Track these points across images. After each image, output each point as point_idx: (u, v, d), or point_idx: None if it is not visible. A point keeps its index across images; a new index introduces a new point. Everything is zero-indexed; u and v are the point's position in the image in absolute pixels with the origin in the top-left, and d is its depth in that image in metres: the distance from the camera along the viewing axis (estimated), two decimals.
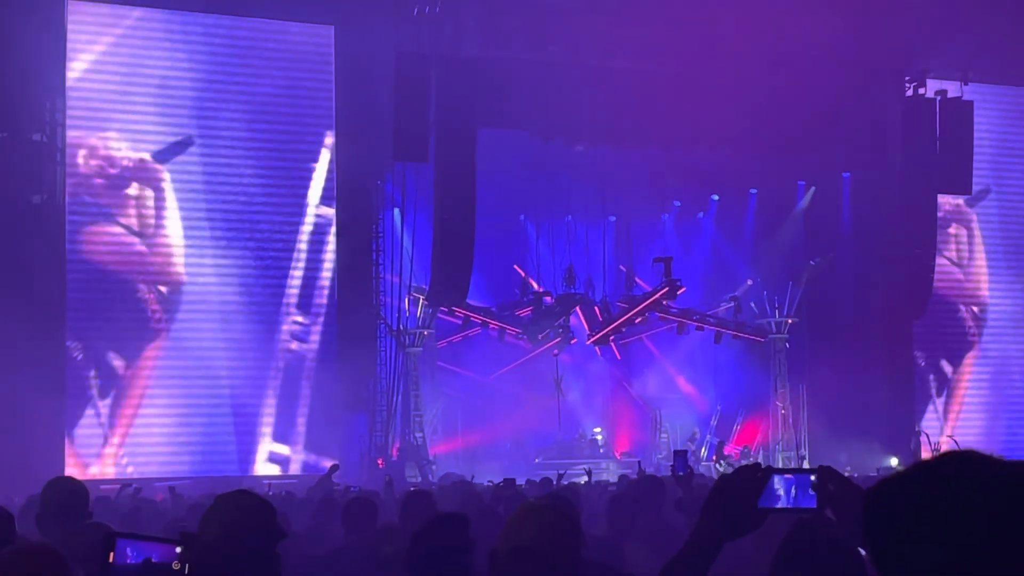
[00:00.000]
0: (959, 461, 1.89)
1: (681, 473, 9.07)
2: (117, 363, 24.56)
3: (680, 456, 9.46)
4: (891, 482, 1.94)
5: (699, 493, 8.29)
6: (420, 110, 25.44)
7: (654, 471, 22.29)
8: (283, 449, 25.59)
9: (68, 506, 6.12)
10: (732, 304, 30.83)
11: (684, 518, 8.49)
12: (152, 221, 25.19)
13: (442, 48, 25.61)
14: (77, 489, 6.33)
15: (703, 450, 30.32)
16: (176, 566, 3.36)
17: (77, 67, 24.52)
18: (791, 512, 3.08)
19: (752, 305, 30.83)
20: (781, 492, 3.04)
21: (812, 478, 3.02)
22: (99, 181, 24.80)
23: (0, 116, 23.55)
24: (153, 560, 3.34)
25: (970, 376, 31.06)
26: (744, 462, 28.25)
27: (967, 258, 31.42)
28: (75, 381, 24.07)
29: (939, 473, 1.89)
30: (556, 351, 30.54)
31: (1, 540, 5.00)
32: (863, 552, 3.27)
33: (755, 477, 3.07)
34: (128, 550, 3.34)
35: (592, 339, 30.97)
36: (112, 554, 3.32)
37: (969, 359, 31.12)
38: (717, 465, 27.94)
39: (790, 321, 30.40)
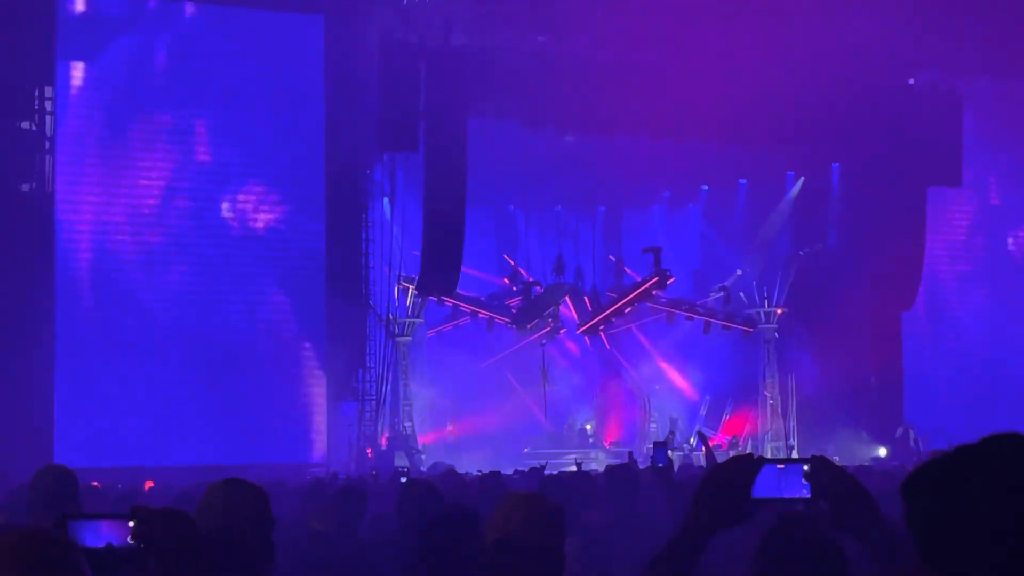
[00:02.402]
0: (1003, 443, 1.86)
1: (661, 464, 9.06)
2: (107, 350, 24.51)
3: (660, 448, 9.46)
4: (933, 466, 1.91)
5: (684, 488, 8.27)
6: (408, 99, 25.40)
7: (642, 461, 22.31)
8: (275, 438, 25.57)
9: (58, 494, 6.10)
10: (721, 294, 30.84)
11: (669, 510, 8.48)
12: (140, 210, 25.13)
13: (432, 37, 25.57)
14: (66, 477, 6.31)
15: (692, 439, 30.35)
16: (131, 540, 3.28)
17: (66, 56, 24.44)
18: (784, 503, 3.06)
19: (741, 295, 30.84)
20: (774, 483, 3.02)
21: (805, 468, 3.01)
22: (90, 171, 24.76)
23: None
24: (113, 544, 3.26)
25: None
26: (732, 452, 28.32)
27: None
28: (64, 369, 24.00)
29: (983, 455, 1.86)
30: (543, 341, 30.53)
31: None
32: (850, 544, 3.27)
33: (748, 467, 3.06)
34: (82, 531, 3.28)
35: (581, 329, 31.00)
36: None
37: None
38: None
39: (779, 311, 30.42)
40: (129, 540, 3.26)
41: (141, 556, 3.25)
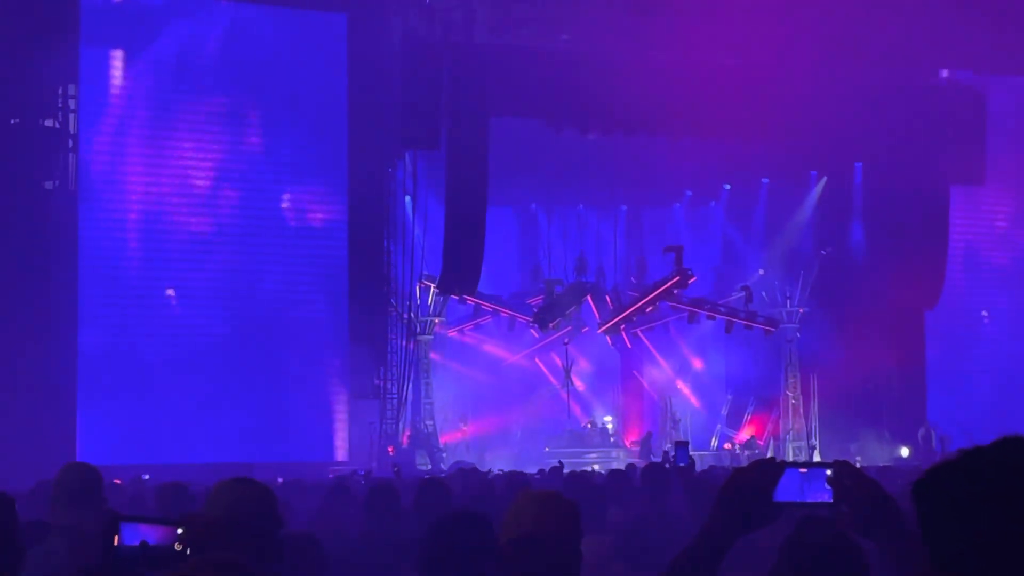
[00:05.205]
0: (1013, 446, 1.88)
1: (682, 464, 9.10)
2: (129, 348, 24.59)
3: (682, 447, 9.50)
4: (944, 468, 1.93)
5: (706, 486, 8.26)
6: (431, 97, 25.43)
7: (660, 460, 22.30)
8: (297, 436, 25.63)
9: (81, 491, 6.13)
10: (743, 294, 30.76)
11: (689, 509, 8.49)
12: (162, 210, 25.22)
13: (454, 35, 25.59)
14: (90, 475, 6.34)
15: (714, 439, 30.34)
16: (178, 547, 3.39)
17: (90, 55, 24.53)
18: (806, 507, 3.05)
19: (763, 295, 30.76)
20: (796, 487, 3.01)
21: (828, 472, 3.00)
22: (112, 168, 24.85)
23: (12, 102, 23.55)
24: (151, 543, 3.38)
25: None
26: (747, 452, 28.29)
27: None
28: (87, 366, 24.08)
29: (993, 458, 1.87)
30: (566, 340, 30.54)
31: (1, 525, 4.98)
32: (871, 546, 3.27)
33: (770, 471, 3.05)
34: (131, 533, 3.40)
35: (603, 328, 30.97)
36: (117, 537, 3.38)
37: None
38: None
39: (801, 311, 30.34)
40: (176, 547, 3.38)
41: (181, 559, 3.35)
